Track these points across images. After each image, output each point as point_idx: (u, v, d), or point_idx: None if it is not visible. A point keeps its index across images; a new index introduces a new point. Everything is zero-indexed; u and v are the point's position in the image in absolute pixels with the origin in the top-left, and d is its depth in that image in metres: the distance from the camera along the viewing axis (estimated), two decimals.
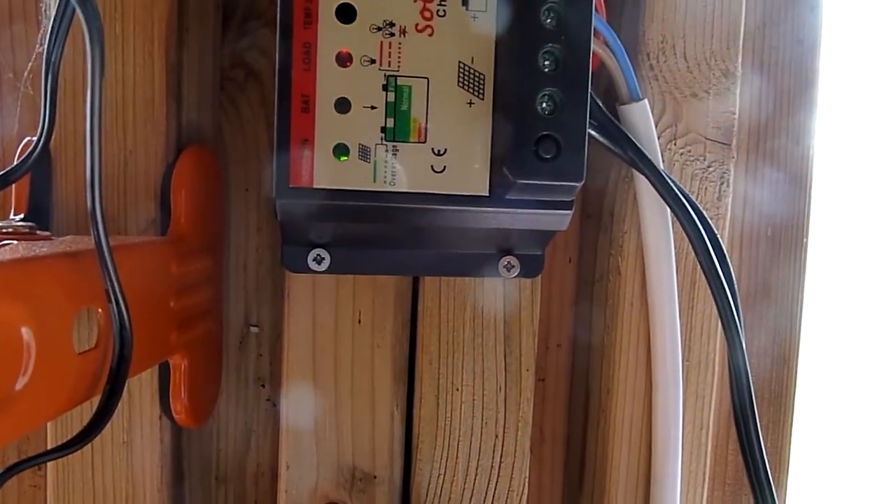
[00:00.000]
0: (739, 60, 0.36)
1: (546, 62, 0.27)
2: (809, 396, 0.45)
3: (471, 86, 0.28)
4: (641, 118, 0.33)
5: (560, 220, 0.30)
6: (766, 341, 0.43)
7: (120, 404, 0.25)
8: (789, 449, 0.44)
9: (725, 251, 0.33)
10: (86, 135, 0.21)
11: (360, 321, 0.34)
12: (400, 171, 0.28)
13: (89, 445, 0.32)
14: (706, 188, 0.36)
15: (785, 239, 0.43)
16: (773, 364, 0.43)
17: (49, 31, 0.27)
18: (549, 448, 0.42)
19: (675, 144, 0.36)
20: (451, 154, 0.28)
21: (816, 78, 0.42)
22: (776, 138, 0.42)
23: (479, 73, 0.28)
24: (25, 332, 0.20)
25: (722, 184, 0.37)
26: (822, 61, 0.42)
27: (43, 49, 0.32)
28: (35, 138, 0.29)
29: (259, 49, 0.37)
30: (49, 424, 0.32)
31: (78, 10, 0.20)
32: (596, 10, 0.31)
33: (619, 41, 0.32)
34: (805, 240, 0.43)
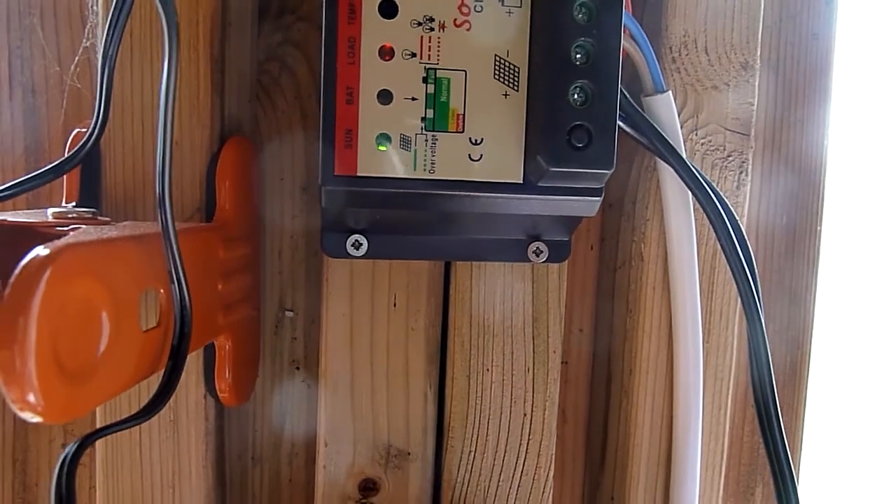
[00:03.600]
0: (758, 53, 0.38)
1: (578, 55, 0.28)
2: (822, 387, 0.46)
3: (506, 78, 0.29)
4: (665, 109, 0.35)
5: (590, 206, 0.31)
6: (780, 332, 0.44)
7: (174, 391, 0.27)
8: (802, 436, 0.46)
9: (748, 241, 0.34)
10: (158, 126, 0.22)
11: (395, 305, 0.35)
12: (439, 160, 0.29)
13: (137, 428, 0.34)
14: (726, 177, 0.38)
15: (799, 231, 0.44)
16: (787, 354, 0.45)
17: (108, 25, 0.28)
18: (572, 428, 0.43)
19: (696, 135, 0.37)
20: (488, 143, 0.29)
21: (831, 71, 0.44)
22: (790, 131, 0.43)
23: (515, 66, 0.29)
24: (102, 308, 0.21)
25: (741, 172, 0.38)
26: (837, 55, 0.44)
27: (94, 43, 0.34)
28: (87, 130, 0.31)
29: (293, 43, 0.39)
30: (98, 409, 0.33)
31: (158, 7, 0.21)
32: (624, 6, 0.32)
33: (644, 35, 0.33)
34: (818, 229, 0.44)
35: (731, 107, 0.37)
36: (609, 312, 0.41)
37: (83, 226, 0.25)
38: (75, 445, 0.21)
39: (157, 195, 0.23)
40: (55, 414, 0.19)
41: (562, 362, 0.42)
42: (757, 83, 0.38)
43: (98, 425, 0.35)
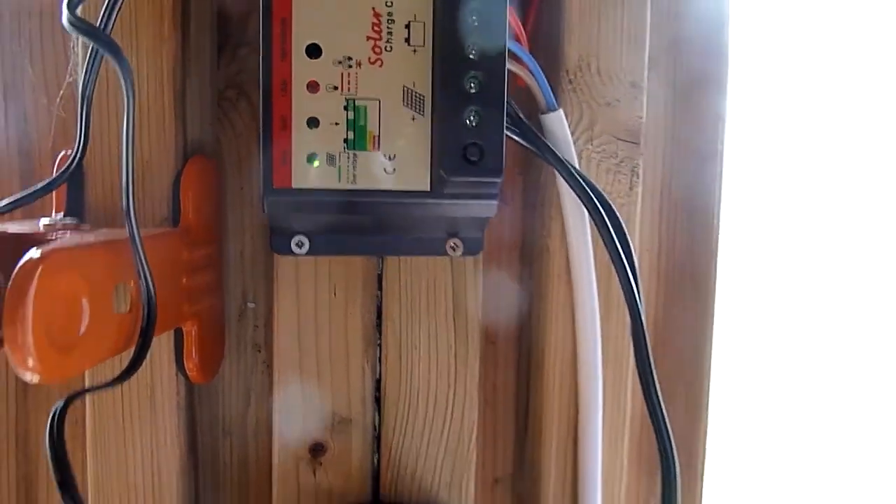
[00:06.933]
0: (646, 74, 0.44)
1: (471, 85, 0.35)
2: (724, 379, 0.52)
3: (413, 105, 0.36)
4: (558, 125, 0.41)
5: (488, 208, 0.38)
6: (685, 311, 0.51)
7: (144, 365, 0.33)
8: (705, 430, 0.52)
9: (627, 235, 0.40)
10: (121, 153, 0.29)
11: (335, 294, 0.42)
12: (359, 173, 0.36)
13: (120, 398, 0.41)
14: (619, 180, 0.44)
15: (698, 223, 0.50)
16: (691, 342, 0.51)
17: (84, 70, 0.34)
18: (502, 401, 0.50)
19: (591, 144, 0.44)
20: (400, 158, 0.36)
21: (726, 58, 0.49)
22: (686, 122, 0.49)
23: (420, 95, 0.36)
24: (82, 296, 0.28)
25: (633, 176, 0.44)
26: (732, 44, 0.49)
27: (75, 80, 0.40)
28: (71, 153, 0.37)
29: (248, 72, 0.45)
30: (87, 375, 0.40)
31: (115, 66, 0.27)
32: (518, 39, 0.39)
33: (537, 64, 0.40)
34: (717, 221, 0.51)
35: (622, 120, 0.44)
36: (529, 299, 0.48)
37: (68, 233, 0.31)
38: (63, 402, 0.28)
39: (123, 208, 0.29)
40: (47, 375, 0.26)
41: (491, 342, 0.49)
42: (645, 99, 0.44)
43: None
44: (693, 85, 0.49)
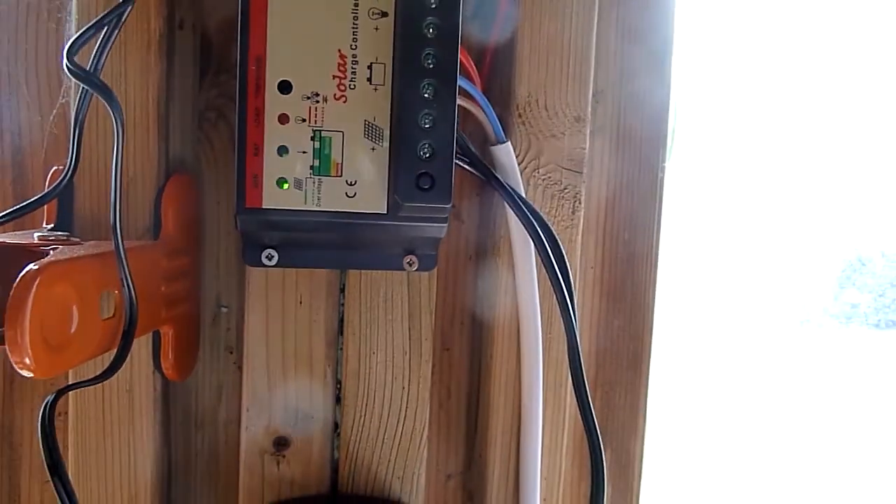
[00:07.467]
0: (589, 109, 0.49)
1: (425, 122, 0.39)
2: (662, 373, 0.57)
3: (373, 137, 0.40)
4: (506, 156, 0.46)
5: (439, 230, 0.42)
6: (624, 328, 0.55)
7: (124, 363, 0.37)
8: (643, 433, 0.57)
9: (565, 256, 0.45)
10: (111, 175, 0.33)
11: (301, 302, 0.46)
12: (323, 196, 0.40)
13: (101, 393, 0.44)
14: (563, 205, 0.49)
15: (639, 238, 0.55)
16: (630, 345, 0.55)
17: (77, 98, 0.38)
18: (455, 403, 0.54)
19: (538, 173, 0.48)
20: (360, 184, 0.40)
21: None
22: (629, 154, 0.54)
23: (380, 128, 0.40)
24: (73, 303, 0.32)
25: (575, 202, 0.49)
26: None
27: (67, 101, 0.44)
28: (63, 168, 0.41)
29: (227, 96, 0.49)
30: (70, 374, 0.43)
31: (106, 106, 0.31)
32: (472, 79, 0.43)
33: (488, 102, 0.44)
34: (656, 238, 0.56)
35: (566, 151, 0.49)
36: (482, 310, 0.52)
37: (60, 246, 0.35)
38: (54, 395, 0.32)
39: (111, 227, 0.33)
40: (41, 371, 0.30)
41: (446, 349, 0.53)
42: (588, 131, 0.49)
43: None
44: (637, 114, 0.54)
